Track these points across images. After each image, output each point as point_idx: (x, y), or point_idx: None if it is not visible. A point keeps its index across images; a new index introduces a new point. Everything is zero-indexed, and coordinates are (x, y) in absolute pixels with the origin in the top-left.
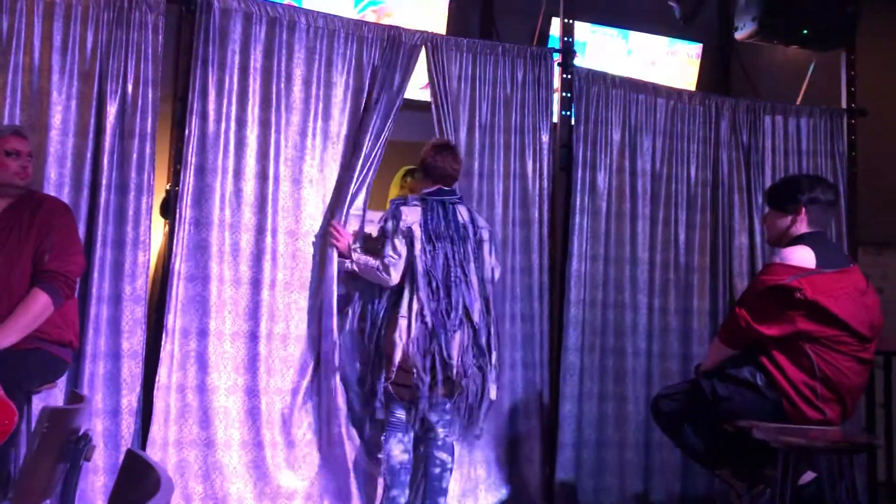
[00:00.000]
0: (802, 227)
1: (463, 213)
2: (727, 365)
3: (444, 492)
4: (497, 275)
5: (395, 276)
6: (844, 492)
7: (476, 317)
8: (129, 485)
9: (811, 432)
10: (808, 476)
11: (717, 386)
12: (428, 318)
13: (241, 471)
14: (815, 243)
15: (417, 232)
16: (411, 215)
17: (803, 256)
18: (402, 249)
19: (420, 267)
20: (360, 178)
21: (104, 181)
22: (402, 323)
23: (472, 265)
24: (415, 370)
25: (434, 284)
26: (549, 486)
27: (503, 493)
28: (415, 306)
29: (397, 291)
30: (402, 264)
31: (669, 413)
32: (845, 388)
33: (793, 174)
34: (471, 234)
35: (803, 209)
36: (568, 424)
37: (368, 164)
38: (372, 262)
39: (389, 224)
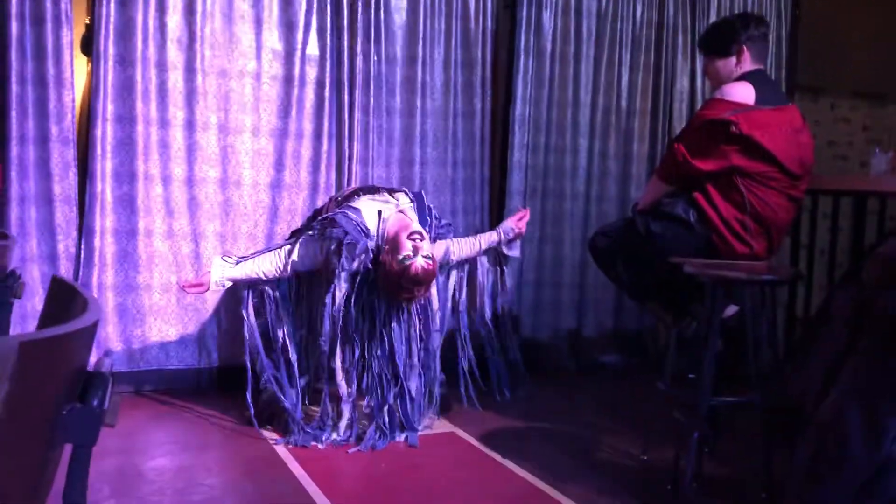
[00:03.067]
0: (746, 66)
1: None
2: (662, 202)
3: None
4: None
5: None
6: (765, 324)
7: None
8: (57, 307)
9: (739, 266)
10: (732, 309)
11: (651, 223)
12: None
13: (178, 313)
14: (756, 80)
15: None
16: (344, 284)
17: (743, 93)
18: (283, 268)
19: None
20: (308, 19)
21: (13, 11)
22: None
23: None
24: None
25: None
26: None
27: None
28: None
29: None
30: (278, 270)
31: (605, 249)
32: (773, 224)
33: (721, 17)
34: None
35: (745, 48)
36: (510, 266)
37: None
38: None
39: (320, 246)
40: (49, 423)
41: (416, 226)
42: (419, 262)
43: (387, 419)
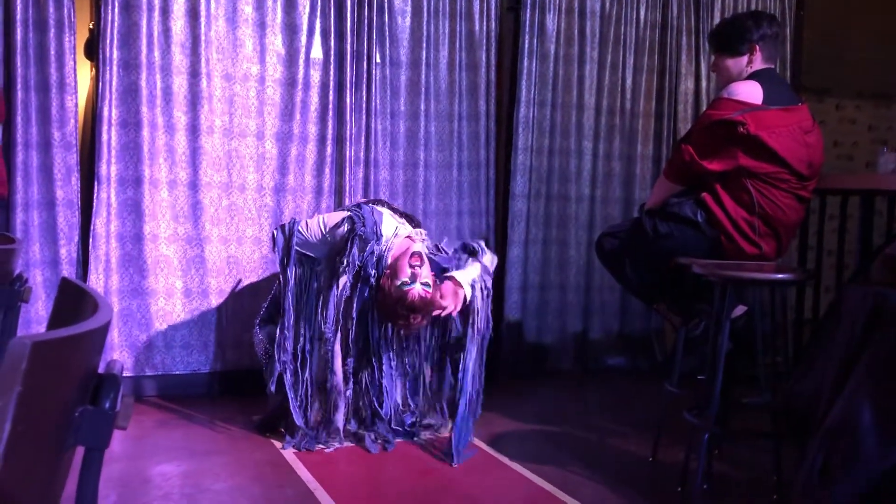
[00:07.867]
0: (757, 65)
1: None
2: (670, 202)
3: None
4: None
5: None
6: (772, 325)
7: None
8: (66, 309)
9: (748, 266)
10: (740, 310)
11: (659, 224)
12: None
13: (183, 318)
14: (765, 80)
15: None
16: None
17: (751, 92)
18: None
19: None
20: (311, 22)
21: (18, 16)
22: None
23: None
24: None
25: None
26: (496, 327)
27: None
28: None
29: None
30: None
31: (611, 250)
32: (782, 224)
33: (734, 14)
34: None
35: (756, 47)
36: (515, 269)
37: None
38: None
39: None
40: (61, 426)
41: (418, 247)
42: (417, 289)
43: (388, 424)
